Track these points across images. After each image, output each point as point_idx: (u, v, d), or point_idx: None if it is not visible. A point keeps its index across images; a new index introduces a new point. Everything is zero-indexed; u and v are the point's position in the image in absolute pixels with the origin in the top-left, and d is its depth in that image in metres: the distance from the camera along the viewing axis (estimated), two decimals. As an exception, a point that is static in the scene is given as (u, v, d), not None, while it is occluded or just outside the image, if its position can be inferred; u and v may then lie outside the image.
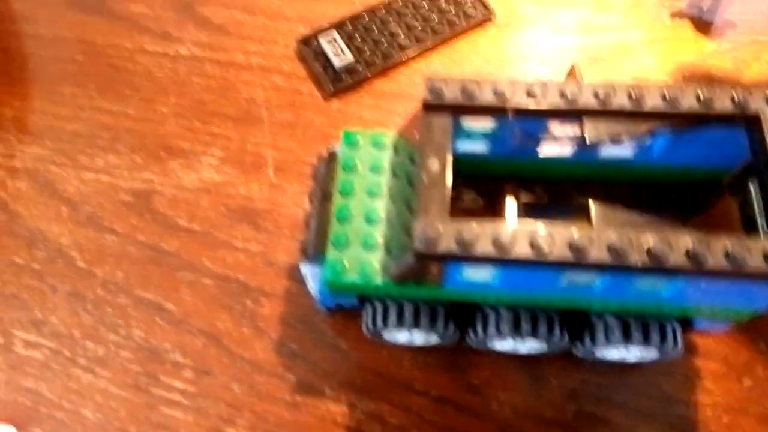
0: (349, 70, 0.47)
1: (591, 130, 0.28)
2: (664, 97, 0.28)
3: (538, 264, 0.25)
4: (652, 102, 0.28)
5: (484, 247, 0.25)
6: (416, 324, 0.33)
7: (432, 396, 0.36)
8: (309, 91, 0.47)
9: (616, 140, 0.28)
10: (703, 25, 0.50)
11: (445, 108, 0.29)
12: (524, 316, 0.32)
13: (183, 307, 0.39)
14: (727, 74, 0.47)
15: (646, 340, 0.32)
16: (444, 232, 0.26)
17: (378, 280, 0.30)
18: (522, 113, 0.29)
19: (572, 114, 0.28)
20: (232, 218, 0.42)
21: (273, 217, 0.42)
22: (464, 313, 0.33)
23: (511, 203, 0.34)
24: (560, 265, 0.25)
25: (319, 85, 0.47)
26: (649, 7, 0.51)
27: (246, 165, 0.44)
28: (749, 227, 0.31)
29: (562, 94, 0.28)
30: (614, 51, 0.48)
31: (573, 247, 0.25)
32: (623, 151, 0.31)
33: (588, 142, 0.28)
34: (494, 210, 0.35)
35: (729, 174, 0.32)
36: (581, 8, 0.50)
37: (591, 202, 0.26)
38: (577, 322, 0.33)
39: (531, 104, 0.28)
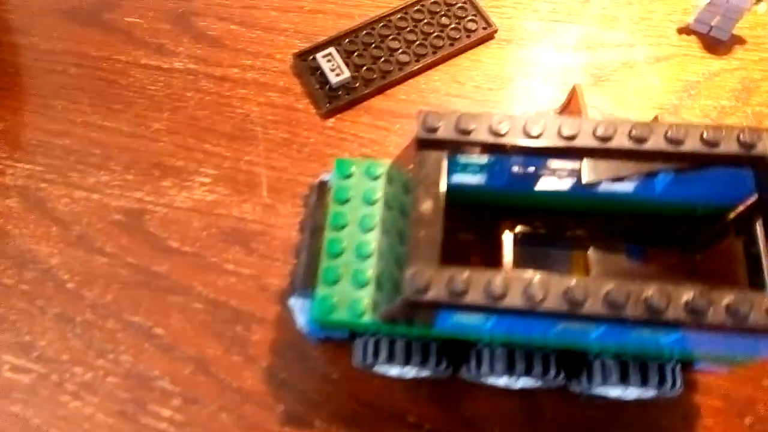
0: (346, 87, 0.45)
1: (590, 171, 0.27)
2: (667, 137, 0.27)
3: (531, 314, 0.24)
4: (655, 142, 0.27)
5: (475, 296, 0.24)
6: (407, 360, 0.32)
7: (425, 429, 0.35)
8: (305, 108, 0.46)
9: (616, 179, 0.27)
10: (710, 42, 0.48)
11: (439, 143, 0.28)
12: (519, 355, 0.31)
13: (173, 333, 0.38)
14: (734, 94, 0.46)
15: (644, 381, 0.31)
16: (434, 279, 0.25)
17: (368, 318, 0.30)
18: (518, 151, 0.28)
19: (570, 153, 0.27)
20: (224, 240, 0.41)
21: (266, 239, 0.41)
22: (458, 349, 0.33)
23: (508, 237, 0.33)
24: (554, 316, 0.24)
25: (315, 102, 0.46)
26: (655, 23, 0.49)
27: (239, 184, 0.43)
28: (753, 268, 0.30)
29: (560, 133, 0.27)
30: (619, 69, 0.47)
31: (568, 297, 0.24)
32: (624, 186, 0.30)
33: (585, 182, 0.27)
34: (490, 242, 0.34)
35: (734, 211, 0.31)
36: (586, 25, 0.49)
37: (590, 250, 0.25)
38: (573, 360, 0.32)
39: (528, 143, 0.27)
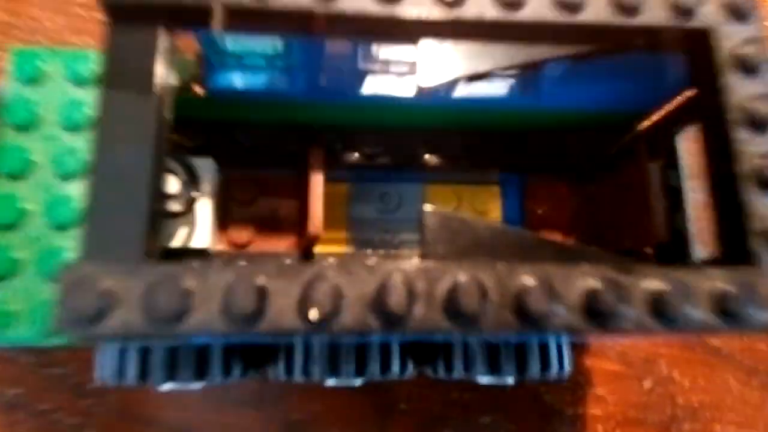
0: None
1: (428, 64, 0.15)
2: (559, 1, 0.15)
3: (313, 336, 0.13)
4: (536, 7, 0.15)
5: (202, 318, 0.13)
6: (172, 375, 0.20)
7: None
8: (34, -27, 0.30)
9: (471, 78, 0.16)
10: None
11: (148, 11, 0.14)
12: (345, 351, 0.21)
13: None
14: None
15: (521, 369, 0.21)
16: (123, 290, 0.12)
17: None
18: (293, 26, 0.15)
19: (398, 31, 0.15)
20: None
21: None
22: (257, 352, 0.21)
23: (318, 176, 0.21)
24: (355, 334, 0.13)
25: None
26: None
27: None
28: (672, 204, 0.20)
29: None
30: None
31: (380, 308, 0.13)
32: (489, 89, 0.19)
33: (421, 84, 0.15)
34: (295, 185, 0.22)
35: (646, 120, 0.21)
36: None
37: (424, 209, 0.14)
38: (424, 345, 0.22)
39: (326, 6, 0.15)
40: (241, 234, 0.21)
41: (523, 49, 0.16)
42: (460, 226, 0.14)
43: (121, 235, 0.13)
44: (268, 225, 0.22)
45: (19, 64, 0.19)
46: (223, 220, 0.21)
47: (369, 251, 0.21)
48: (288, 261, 0.19)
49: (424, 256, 0.13)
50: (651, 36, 0.16)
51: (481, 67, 0.16)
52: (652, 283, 0.14)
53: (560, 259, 0.14)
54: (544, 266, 0.13)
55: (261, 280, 0.13)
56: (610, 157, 0.22)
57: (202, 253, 0.20)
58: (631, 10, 0.15)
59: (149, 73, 0.14)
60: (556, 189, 0.23)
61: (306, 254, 0.21)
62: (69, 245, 0.18)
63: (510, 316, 0.13)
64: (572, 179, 0.23)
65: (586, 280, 0.13)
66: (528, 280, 0.13)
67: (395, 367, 0.21)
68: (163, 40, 0.15)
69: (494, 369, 0.22)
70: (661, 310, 0.13)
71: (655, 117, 0.21)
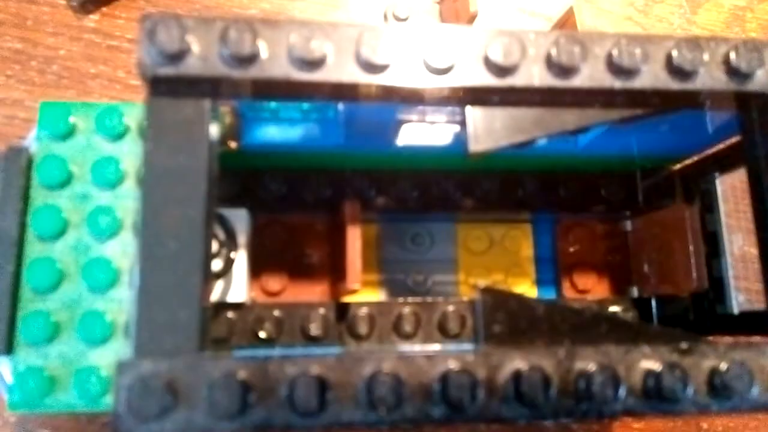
0: (109, -39, 0.29)
1: (478, 130, 0.15)
2: (611, 64, 0.15)
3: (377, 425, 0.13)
4: (591, 72, 0.15)
5: (270, 412, 0.12)
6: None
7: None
8: (47, -2, 0.29)
9: (522, 144, 0.16)
10: None
11: (192, 82, 0.14)
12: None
13: None
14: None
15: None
16: (184, 388, 0.12)
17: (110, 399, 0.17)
18: (342, 94, 0.15)
19: (445, 97, 0.15)
20: None
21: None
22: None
23: (354, 215, 0.20)
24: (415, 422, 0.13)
25: (62, -13, 0.29)
26: None
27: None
28: (710, 244, 0.20)
29: (426, 61, 0.14)
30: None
31: (444, 394, 0.13)
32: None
33: (473, 150, 0.15)
34: (330, 227, 0.21)
35: (680, 163, 0.21)
36: None
37: (478, 295, 0.14)
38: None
39: (363, 78, 0.14)
40: (274, 282, 0.21)
41: (575, 114, 0.15)
42: (516, 305, 0.14)
43: (175, 324, 0.13)
44: (300, 271, 0.22)
45: (47, 118, 0.18)
46: (255, 267, 0.21)
47: (402, 299, 0.21)
48: (343, 352, 0.18)
49: (480, 338, 0.13)
50: (706, 98, 0.15)
51: (533, 134, 0.15)
52: (712, 363, 0.13)
53: (619, 337, 0.14)
54: (604, 348, 0.13)
55: (321, 372, 0.12)
56: (644, 197, 0.22)
57: (238, 306, 0.20)
58: (687, 75, 0.15)
59: (200, 134, 0.14)
60: (589, 228, 0.23)
61: (340, 305, 0.21)
62: (109, 308, 0.17)
63: (572, 402, 0.13)
64: (605, 218, 0.23)
65: (647, 362, 0.13)
66: (589, 365, 0.13)
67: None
68: (207, 105, 0.14)
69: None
70: (720, 391, 0.13)
71: (691, 160, 0.21)
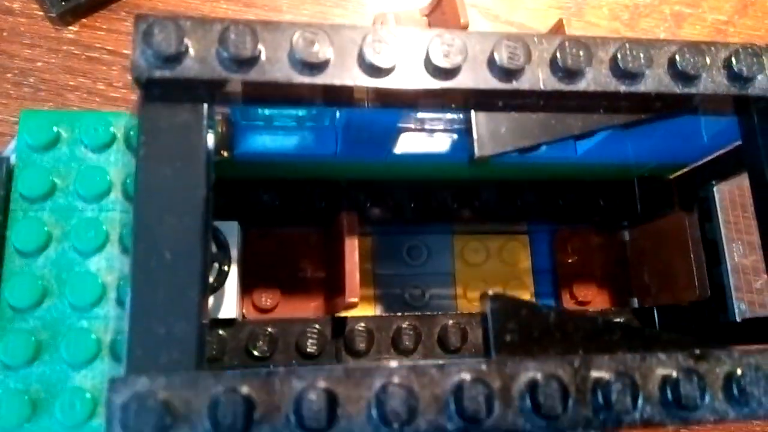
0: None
1: (483, 135, 0.15)
2: (617, 68, 0.14)
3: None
4: (595, 76, 0.15)
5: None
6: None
7: None
8: (23, 8, 0.28)
9: (526, 149, 0.15)
10: None
11: (189, 86, 0.13)
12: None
13: None
14: None
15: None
16: (184, 406, 0.11)
17: (99, 421, 0.16)
18: (342, 98, 0.14)
19: (449, 100, 0.15)
20: None
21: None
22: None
23: (352, 246, 0.19)
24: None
25: (40, -2, 0.28)
26: None
27: None
28: (709, 252, 0.20)
29: (429, 63, 0.14)
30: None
31: (458, 408, 0.12)
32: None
33: (479, 155, 0.15)
34: (324, 238, 0.21)
35: (678, 171, 0.21)
36: None
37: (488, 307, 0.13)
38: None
39: (367, 83, 0.14)
40: (267, 298, 0.20)
41: (579, 119, 0.15)
42: (527, 313, 0.13)
43: (171, 339, 0.12)
44: (294, 286, 0.21)
45: (28, 127, 0.17)
46: (246, 282, 0.20)
47: (400, 314, 0.20)
48: (352, 365, 0.18)
49: (492, 347, 0.13)
50: (708, 102, 0.15)
51: (538, 138, 0.15)
52: (728, 368, 0.13)
53: (631, 344, 0.14)
54: (619, 356, 0.13)
55: (329, 385, 0.12)
56: (642, 206, 0.22)
57: (229, 323, 0.19)
58: (690, 79, 0.15)
59: (197, 140, 0.13)
60: (587, 238, 0.23)
61: (336, 320, 0.20)
62: (94, 326, 0.16)
63: (590, 412, 0.12)
64: (603, 228, 0.23)
65: (663, 369, 0.13)
66: (605, 373, 0.13)
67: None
68: (203, 111, 0.14)
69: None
70: (737, 397, 0.13)
71: (689, 168, 0.21)
